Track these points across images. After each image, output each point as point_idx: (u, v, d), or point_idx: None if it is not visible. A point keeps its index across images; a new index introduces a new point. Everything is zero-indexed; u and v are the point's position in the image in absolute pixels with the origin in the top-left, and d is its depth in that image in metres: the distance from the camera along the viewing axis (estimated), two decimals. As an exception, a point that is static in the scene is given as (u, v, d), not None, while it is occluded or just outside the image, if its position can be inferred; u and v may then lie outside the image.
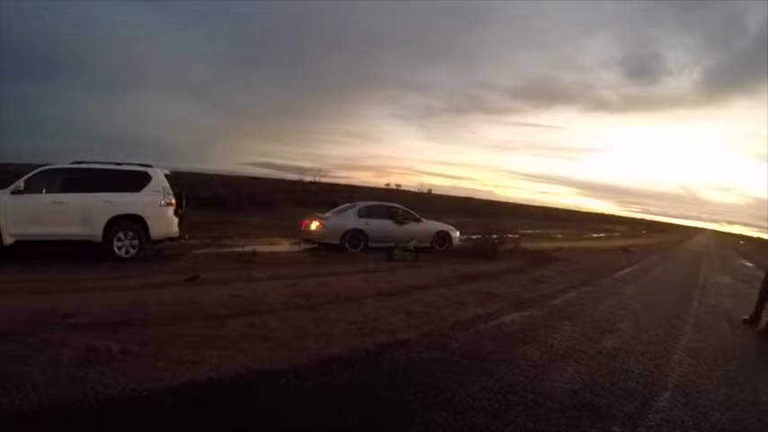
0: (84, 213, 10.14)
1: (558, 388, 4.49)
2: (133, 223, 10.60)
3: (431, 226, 16.86)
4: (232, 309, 6.39)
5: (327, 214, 15.86)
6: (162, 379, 3.84)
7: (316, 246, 15.01)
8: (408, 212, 16.60)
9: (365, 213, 15.51)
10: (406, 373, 4.58)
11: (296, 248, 15.23)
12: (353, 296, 7.69)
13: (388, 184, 76.25)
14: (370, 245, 15.01)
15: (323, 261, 12.57)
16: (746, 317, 8.48)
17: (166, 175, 11.41)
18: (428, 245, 16.12)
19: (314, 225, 14.91)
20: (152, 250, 11.20)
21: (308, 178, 59.52)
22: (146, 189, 10.83)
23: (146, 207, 10.73)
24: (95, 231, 10.19)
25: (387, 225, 15.55)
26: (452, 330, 6.11)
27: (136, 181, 10.84)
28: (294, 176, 65.09)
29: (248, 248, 13.27)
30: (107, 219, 10.27)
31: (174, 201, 11.22)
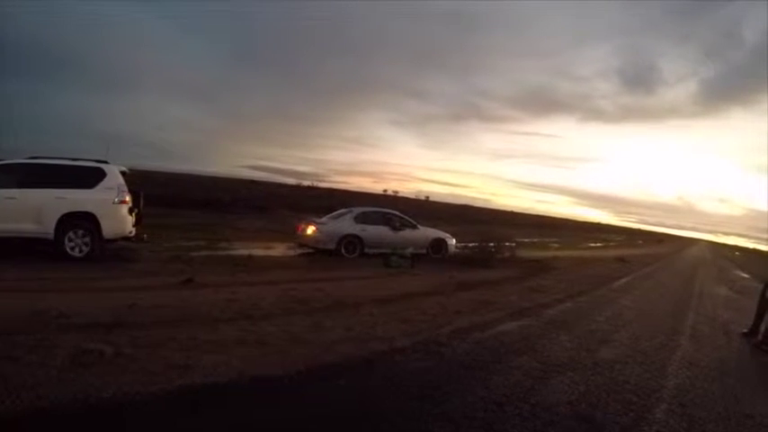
0: (36, 210, 9.89)
1: (554, 399, 4.47)
2: (85, 221, 10.27)
3: (427, 233, 16.84)
4: (227, 313, 6.35)
5: (323, 219, 15.82)
6: (154, 383, 3.80)
7: (312, 251, 14.98)
8: (405, 219, 16.58)
9: (361, 219, 15.48)
10: (401, 381, 4.55)
11: (292, 253, 15.19)
12: (349, 302, 7.66)
13: (385, 191, 76.62)
14: (366, 251, 14.97)
15: (319, 266, 12.52)
16: (745, 330, 8.49)
17: (123, 173, 11.13)
18: (424, 252, 16.09)
19: (310, 230, 14.87)
20: (105, 249, 10.78)
21: (305, 183, 59.62)
22: (99, 186, 10.49)
23: (98, 204, 10.38)
24: (47, 229, 9.92)
25: (383, 231, 15.52)
26: (448, 339, 6.09)
27: (90, 177, 10.52)
28: (292, 181, 65.16)
29: (244, 252, 13.25)
30: (58, 216, 9.98)
31: (127, 198, 10.85)
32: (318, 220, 15.53)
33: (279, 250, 15.52)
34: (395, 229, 15.82)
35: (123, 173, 11.16)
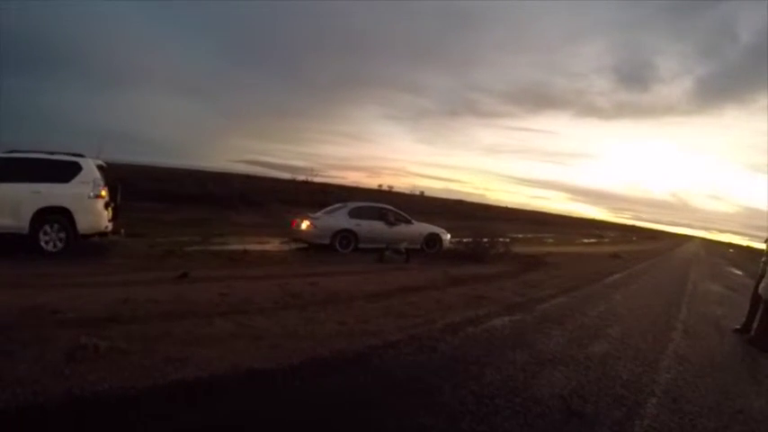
0: (12, 204, 9.73)
1: (546, 393, 4.50)
2: (60, 216, 10.12)
3: (421, 228, 16.86)
4: (222, 307, 6.36)
5: (318, 214, 15.81)
6: (150, 377, 3.81)
7: (306, 245, 14.98)
8: (399, 214, 16.58)
9: (356, 214, 15.48)
10: (394, 375, 4.58)
11: (286, 248, 15.17)
12: (343, 297, 7.67)
13: (380, 185, 76.40)
14: (361, 246, 14.99)
15: (313, 261, 12.53)
16: (738, 326, 8.54)
17: (101, 166, 11.04)
18: (418, 247, 16.11)
19: (304, 225, 14.86)
20: (80, 244, 10.62)
21: (300, 177, 59.44)
22: (75, 180, 10.33)
23: (73, 199, 10.22)
24: (22, 223, 9.77)
25: (377, 226, 15.54)
26: (442, 333, 6.11)
27: (66, 171, 10.35)
28: (286, 175, 65.00)
29: (239, 247, 13.24)
30: (34, 210, 9.83)
31: (103, 193, 10.71)
32: (313, 215, 15.51)
33: (273, 245, 15.51)
34: (389, 223, 15.82)
35: (101, 167, 11.07)
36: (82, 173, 10.42)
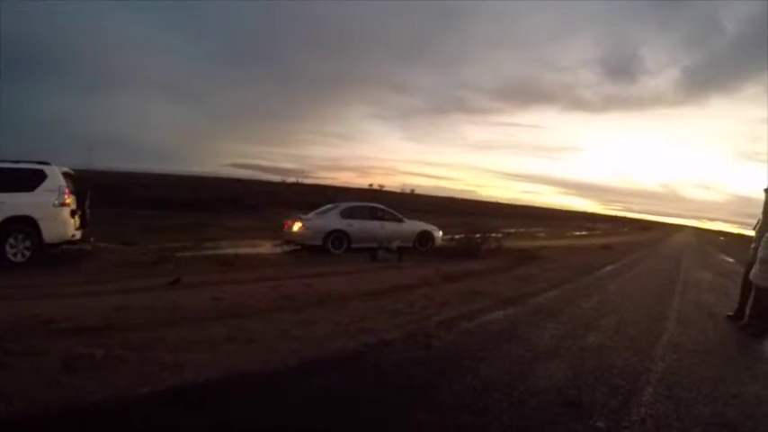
0: None
1: (542, 385, 4.51)
2: (25, 225, 9.92)
3: (413, 226, 16.90)
4: (215, 312, 6.34)
5: (310, 215, 15.83)
6: (146, 384, 3.79)
7: (299, 247, 14.98)
8: (391, 213, 16.63)
9: (347, 214, 15.51)
10: (390, 372, 4.58)
11: (279, 250, 15.17)
12: (337, 297, 7.67)
13: (370, 185, 76.64)
14: (353, 246, 15.02)
15: (306, 262, 12.54)
16: (730, 313, 8.59)
17: (67, 174, 10.90)
18: (411, 245, 16.15)
19: (296, 226, 14.88)
20: (47, 254, 10.44)
21: (290, 179, 59.53)
22: (39, 188, 10.14)
23: (37, 208, 10.02)
24: None
25: (369, 225, 15.57)
26: (436, 330, 6.11)
27: (30, 180, 10.14)
28: (276, 178, 65.02)
29: (231, 251, 13.22)
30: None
31: (68, 201, 10.51)
32: (304, 217, 15.53)
33: (265, 248, 15.53)
34: (381, 222, 15.86)
35: (68, 174, 10.93)
36: (47, 181, 10.24)
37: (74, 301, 6.73)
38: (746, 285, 8.22)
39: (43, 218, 10.04)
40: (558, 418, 3.84)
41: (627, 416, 3.99)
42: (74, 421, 3.22)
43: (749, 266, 8.20)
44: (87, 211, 11.61)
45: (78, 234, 11.09)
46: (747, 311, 7.82)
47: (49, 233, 10.19)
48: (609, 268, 15.18)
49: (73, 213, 10.73)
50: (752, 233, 8.65)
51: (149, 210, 24.31)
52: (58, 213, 10.29)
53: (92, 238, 11.85)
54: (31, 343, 4.55)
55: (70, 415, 3.26)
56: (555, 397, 4.25)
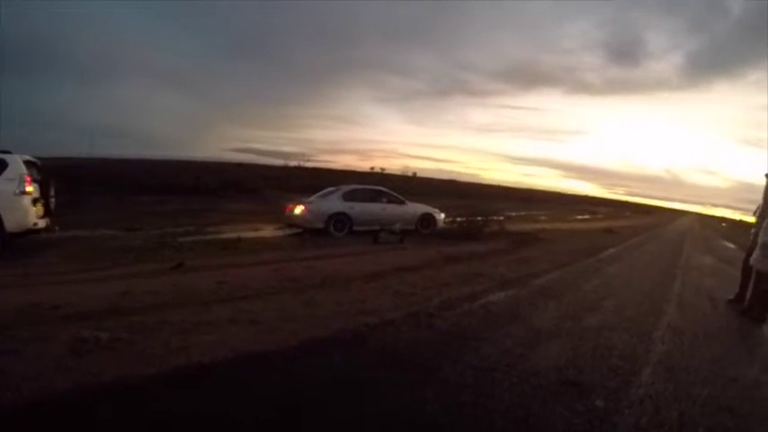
0: None
1: (542, 365, 4.56)
2: None
3: (415, 208, 16.91)
4: (219, 294, 6.37)
5: (311, 198, 15.84)
6: (152, 365, 3.83)
7: (301, 230, 15.01)
8: (392, 195, 16.63)
9: (349, 197, 15.52)
10: (393, 352, 4.62)
11: (281, 234, 15.20)
12: (340, 279, 7.71)
13: (372, 168, 76.71)
14: (355, 228, 15.04)
15: (308, 245, 12.55)
16: (731, 297, 8.64)
17: (30, 162, 10.78)
18: (413, 227, 16.17)
19: (298, 210, 14.89)
20: (11, 244, 10.21)
21: (292, 163, 59.42)
22: (0, 178, 9.99)
23: None
24: None
25: (371, 208, 15.59)
26: (439, 310, 6.15)
27: None
28: (278, 162, 64.97)
29: (233, 235, 13.26)
30: None
31: (29, 189, 10.29)
32: (307, 200, 15.54)
33: (268, 231, 15.56)
34: (383, 205, 15.89)
35: (31, 162, 10.84)
36: (7, 170, 10.10)
37: (77, 287, 6.75)
38: (746, 270, 8.27)
39: (4, 207, 9.90)
40: (558, 397, 3.88)
41: (626, 396, 4.04)
42: (82, 402, 3.26)
43: (750, 251, 8.25)
44: (52, 200, 11.50)
45: (42, 223, 10.92)
46: (748, 296, 7.86)
47: (11, 223, 10.03)
48: (611, 251, 15.19)
49: (35, 202, 10.57)
50: (753, 219, 8.69)
51: (152, 195, 24.34)
52: (18, 202, 10.14)
53: (56, 227, 11.65)
54: (37, 329, 4.58)
55: (79, 396, 3.30)
56: (555, 377, 4.30)
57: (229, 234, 13.57)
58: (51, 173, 11.74)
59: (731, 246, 24.82)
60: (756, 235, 7.96)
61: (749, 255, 8.25)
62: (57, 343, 4.21)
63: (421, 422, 3.32)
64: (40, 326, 4.69)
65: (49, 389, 3.35)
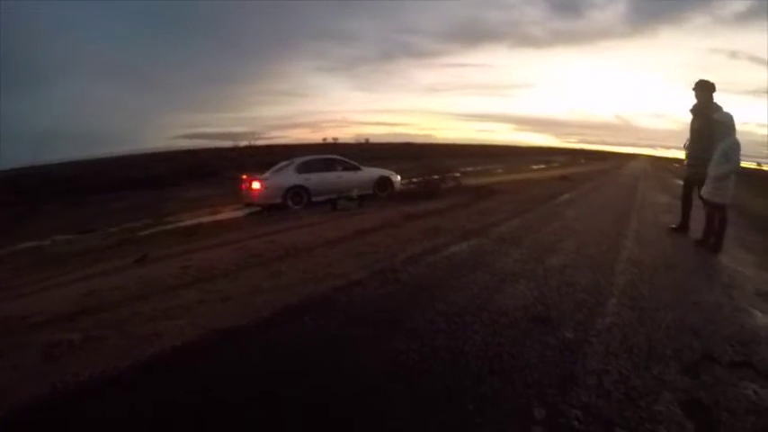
0: None
1: (510, 305, 4.67)
2: None
3: (371, 173, 16.96)
4: (185, 279, 6.31)
5: (266, 174, 15.73)
6: (128, 356, 3.79)
7: (259, 208, 14.93)
8: (347, 162, 16.64)
9: (304, 169, 15.47)
10: (362, 309, 4.67)
11: (240, 214, 15.12)
12: (302, 248, 7.70)
13: (324, 139, 76.56)
14: (313, 199, 15.04)
15: (268, 221, 12.50)
16: (674, 225, 9.04)
17: None
18: (370, 192, 16.25)
19: (254, 187, 14.79)
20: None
21: (242, 143, 58.83)
22: None
23: None
24: None
25: (327, 177, 15.59)
26: (403, 265, 6.22)
27: None
28: (228, 143, 64.24)
29: (193, 221, 13.15)
30: None
31: None
32: (261, 176, 15.43)
33: (227, 213, 15.49)
34: (338, 173, 15.91)
35: None
36: None
37: (41, 295, 6.62)
38: (687, 199, 8.68)
39: None
40: (528, 332, 4.00)
41: (593, 326, 4.18)
42: (64, 405, 3.23)
43: (687, 181, 8.58)
44: None
45: None
46: (704, 229, 8.03)
47: None
48: (567, 196, 15.43)
49: None
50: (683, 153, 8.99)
51: (105, 194, 23.87)
52: None
53: None
54: (9, 341, 4.47)
55: (59, 400, 3.27)
56: (524, 314, 4.42)
57: (189, 221, 13.45)
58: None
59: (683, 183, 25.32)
60: (692, 167, 8.26)
61: (687, 185, 8.60)
62: (31, 351, 4.13)
63: (398, 370, 3.39)
64: (10, 337, 4.60)
65: (31, 396, 3.30)
